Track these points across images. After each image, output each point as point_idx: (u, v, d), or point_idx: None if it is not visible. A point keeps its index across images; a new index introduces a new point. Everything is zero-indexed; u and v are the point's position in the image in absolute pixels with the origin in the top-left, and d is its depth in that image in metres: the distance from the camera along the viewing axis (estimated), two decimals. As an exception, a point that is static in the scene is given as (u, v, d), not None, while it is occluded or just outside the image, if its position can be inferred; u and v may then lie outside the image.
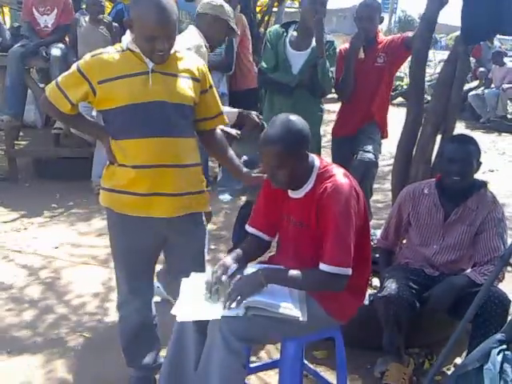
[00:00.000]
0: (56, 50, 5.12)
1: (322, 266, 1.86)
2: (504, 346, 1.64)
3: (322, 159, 2.05)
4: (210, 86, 2.18)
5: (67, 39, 5.47)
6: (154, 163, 2.00)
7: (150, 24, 1.89)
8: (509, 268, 3.05)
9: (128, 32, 2.01)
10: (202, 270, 2.15)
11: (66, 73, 2.05)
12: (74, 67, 2.02)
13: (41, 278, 3.43)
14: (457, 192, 2.49)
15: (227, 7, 2.91)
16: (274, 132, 1.90)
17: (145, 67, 1.98)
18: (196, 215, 2.19)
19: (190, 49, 2.57)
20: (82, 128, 2.32)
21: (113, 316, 2.99)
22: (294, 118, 1.94)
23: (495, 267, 1.71)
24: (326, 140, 3.98)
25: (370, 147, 3.46)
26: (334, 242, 1.86)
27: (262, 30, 6.75)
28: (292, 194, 2.02)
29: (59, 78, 2.06)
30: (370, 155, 3.41)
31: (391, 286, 2.37)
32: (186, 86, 2.05)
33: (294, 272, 1.91)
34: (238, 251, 2.09)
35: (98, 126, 2.19)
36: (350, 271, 1.87)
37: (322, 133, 3.65)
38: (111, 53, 2.01)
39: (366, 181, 3.47)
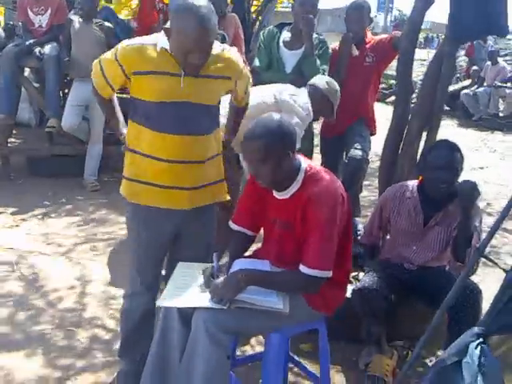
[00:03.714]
0: (50, 50, 5.14)
1: (303, 269, 1.90)
2: (481, 340, 1.67)
3: (309, 161, 2.06)
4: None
5: (61, 38, 5.49)
6: (177, 159, 2.04)
7: (188, 40, 1.83)
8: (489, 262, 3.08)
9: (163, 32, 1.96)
10: (207, 260, 2.18)
11: (107, 56, 2.06)
12: (112, 54, 2.02)
13: (26, 275, 3.43)
14: (440, 198, 2.48)
15: (338, 94, 3.09)
16: (256, 128, 1.91)
17: (178, 69, 1.97)
18: (209, 205, 2.23)
19: (309, 113, 2.85)
20: (108, 115, 2.31)
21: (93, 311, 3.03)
22: (278, 116, 1.95)
23: (471, 259, 1.75)
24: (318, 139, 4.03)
25: (360, 145, 3.51)
26: (317, 247, 1.89)
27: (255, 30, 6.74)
28: (278, 195, 2.03)
29: (103, 63, 2.06)
30: (361, 152, 3.46)
31: (366, 279, 2.45)
32: (216, 88, 2.07)
33: (273, 275, 1.96)
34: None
35: (120, 122, 2.26)
36: (330, 274, 1.90)
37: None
38: (148, 45, 1.98)
39: (357, 177, 3.52)
